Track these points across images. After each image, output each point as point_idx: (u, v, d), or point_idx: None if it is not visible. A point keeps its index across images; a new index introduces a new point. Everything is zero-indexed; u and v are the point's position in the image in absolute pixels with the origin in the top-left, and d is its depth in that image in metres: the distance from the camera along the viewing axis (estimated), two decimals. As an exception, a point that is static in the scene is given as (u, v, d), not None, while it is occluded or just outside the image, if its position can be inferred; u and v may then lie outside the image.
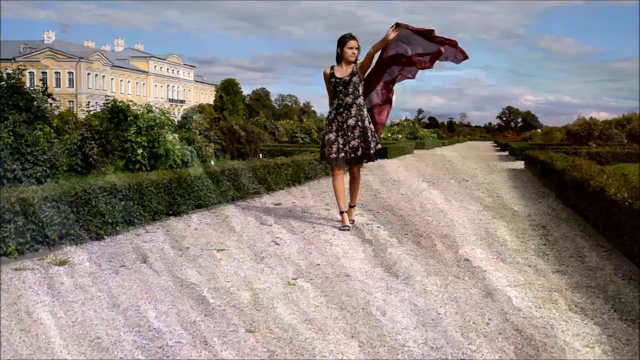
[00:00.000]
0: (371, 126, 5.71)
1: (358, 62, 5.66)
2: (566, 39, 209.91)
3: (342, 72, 5.67)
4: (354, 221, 5.90)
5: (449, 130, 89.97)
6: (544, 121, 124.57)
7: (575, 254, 4.71)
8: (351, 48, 5.61)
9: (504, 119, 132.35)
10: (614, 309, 3.32)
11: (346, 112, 5.65)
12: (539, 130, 52.38)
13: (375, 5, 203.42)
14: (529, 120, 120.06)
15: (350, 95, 5.64)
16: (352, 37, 5.64)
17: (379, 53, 5.65)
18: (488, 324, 3.06)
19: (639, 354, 2.70)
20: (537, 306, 3.36)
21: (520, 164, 16.27)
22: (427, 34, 5.50)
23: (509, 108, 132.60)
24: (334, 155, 5.67)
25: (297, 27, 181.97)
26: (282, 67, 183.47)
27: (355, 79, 5.63)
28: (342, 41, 5.63)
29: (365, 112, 5.69)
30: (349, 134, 5.63)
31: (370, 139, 5.65)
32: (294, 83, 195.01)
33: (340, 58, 5.68)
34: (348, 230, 5.59)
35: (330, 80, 5.72)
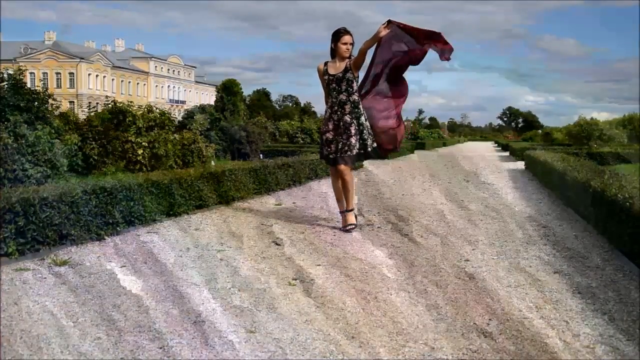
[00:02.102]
0: (367, 123, 5.59)
1: (352, 57, 5.54)
2: (566, 39, 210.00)
3: (335, 68, 5.57)
4: (355, 225, 5.65)
5: (450, 131, 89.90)
6: (544, 121, 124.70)
7: (576, 254, 4.71)
8: (345, 43, 5.50)
9: (505, 119, 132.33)
10: (615, 309, 3.32)
11: (341, 110, 5.55)
12: (539, 131, 52.37)
13: (376, 6, 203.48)
14: (529, 121, 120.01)
15: (344, 93, 5.54)
16: (346, 32, 5.53)
17: (373, 50, 5.57)
18: (488, 324, 3.06)
19: (639, 354, 2.70)
20: (538, 306, 3.35)
21: (520, 165, 16.27)
22: (419, 34, 5.45)
23: (509, 108, 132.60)
24: (333, 155, 5.60)
25: (297, 27, 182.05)
26: (283, 67, 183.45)
27: (348, 75, 5.50)
28: (336, 36, 5.53)
29: (362, 109, 5.58)
30: (346, 131, 5.52)
31: (367, 137, 5.55)
32: (294, 83, 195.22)
33: (334, 53, 5.59)
34: (349, 231, 5.59)
35: (324, 77, 5.63)
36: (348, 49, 5.51)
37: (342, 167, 5.57)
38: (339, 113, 5.56)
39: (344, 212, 5.74)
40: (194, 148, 11.78)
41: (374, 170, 13.25)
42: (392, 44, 5.58)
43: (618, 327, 3.02)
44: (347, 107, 5.54)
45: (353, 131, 5.51)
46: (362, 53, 5.48)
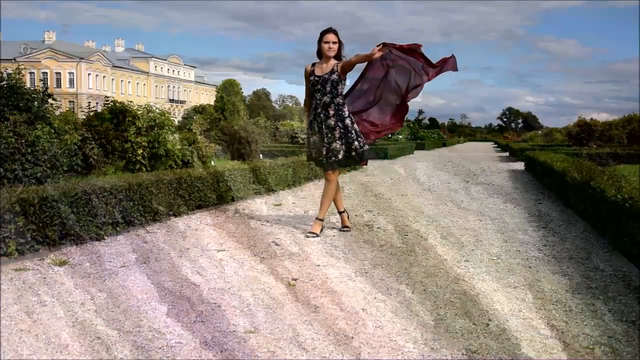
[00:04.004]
0: (355, 126, 5.43)
1: (342, 60, 5.40)
2: (566, 40, 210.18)
3: (321, 69, 5.41)
4: (317, 235, 5.33)
5: (450, 131, 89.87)
6: (544, 122, 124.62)
7: (576, 255, 4.71)
8: (327, 42, 5.34)
9: (505, 119, 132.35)
10: (614, 310, 3.32)
11: (324, 112, 5.40)
12: (539, 132, 52.36)
13: (376, 6, 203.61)
14: (529, 121, 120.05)
15: (328, 94, 5.37)
16: (329, 31, 5.39)
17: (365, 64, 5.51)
18: (488, 324, 3.06)
19: (639, 355, 2.70)
20: (537, 307, 3.36)
21: (520, 165, 16.27)
22: (414, 50, 5.39)
23: (509, 109, 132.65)
24: (322, 158, 5.44)
25: (297, 27, 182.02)
26: (283, 67, 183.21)
27: (334, 77, 5.35)
28: (320, 36, 5.40)
29: (347, 112, 5.42)
30: (329, 134, 5.38)
31: (353, 139, 5.38)
32: (294, 84, 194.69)
33: (320, 54, 5.45)
34: (348, 230, 5.59)
35: (310, 78, 5.47)
36: (330, 48, 5.35)
37: (328, 173, 5.47)
38: (322, 115, 5.42)
39: (342, 212, 5.74)
40: (194, 148, 11.77)
41: (374, 171, 13.25)
42: (384, 67, 5.51)
43: (618, 328, 3.02)
44: (331, 110, 5.40)
45: (337, 135, 5.38)
46: (352, 64, 5.36)
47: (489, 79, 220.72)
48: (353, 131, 5.42)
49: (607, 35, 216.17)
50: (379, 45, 5.29)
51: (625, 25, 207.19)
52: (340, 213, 5.74)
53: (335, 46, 5.39)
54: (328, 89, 5.39)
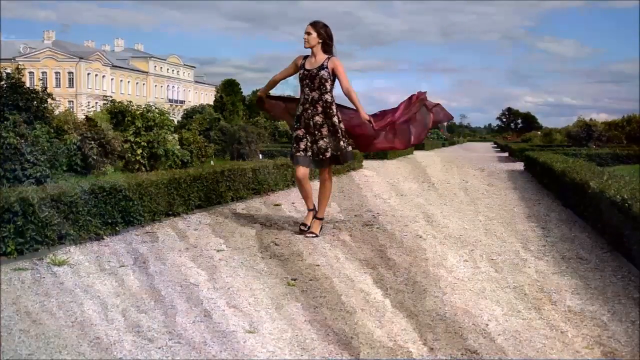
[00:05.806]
0: (341, 125, 5.33)
1: (334, 56, 5.30)
2: (566, 40, 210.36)
3: (311, 63, 5.31)
4: (317, 235, 5.28)
5: (449, 131, 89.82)
6: (544, 122, 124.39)
7: (575, 255, 4.71)
8: (304, 34, 5.29)
9: (504, 120, 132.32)
10: (614, 310, 3.32)
11: (312, 108, 5.28)
12: (539, 132, 52.38)
13: (376, 6, 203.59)
14: (529, 122, 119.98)
15: (317, 91, 5.26)
16: (309, 24, 5.31)
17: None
18: (487, 325, 3.06)
19: (638, 355, 2.70)
20: (537, 307, 3.36)
21: (520, 165, 16.27)
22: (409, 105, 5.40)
23: (509, 109, 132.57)
24: (301, 153, 5.30)
25: (297, 27, 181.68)
26: (283, 68, 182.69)
27: (323, 73, 5.23)
28: None
29: (335, 110, 5.32)
30: (316, 132, 5.27)
31: (340, 138, 5.29)
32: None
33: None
34: (307, 235, 5.31)
35: (299, 71, 5.37)
36: (305, 39, 5.28)
37: (323, 171, 5.40)
38: (309, 111, 5.31)
39: (311, 210, 5.49)
40: (193, 148, 11.78)
41: (373, 171, 13.25)
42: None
43: (617, 328, 3.02)
44: (319, 107, 5.28)
45: (325, 132, 5.29)
46: (342, 84, 5.29)
47: (489, 79, 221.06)
48: (340, 130, 5.33)
49: (606, 35, 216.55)
50: (374, 125, 5.25)
51: (624, 25, 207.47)
52: (309, 210, 5.50)
53: (310, 37, 5.27)
54: (316, 84, 5.28)
